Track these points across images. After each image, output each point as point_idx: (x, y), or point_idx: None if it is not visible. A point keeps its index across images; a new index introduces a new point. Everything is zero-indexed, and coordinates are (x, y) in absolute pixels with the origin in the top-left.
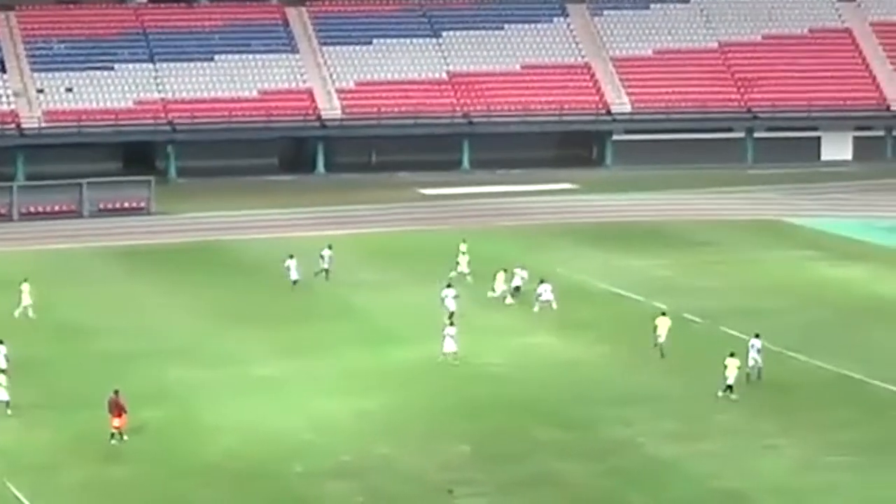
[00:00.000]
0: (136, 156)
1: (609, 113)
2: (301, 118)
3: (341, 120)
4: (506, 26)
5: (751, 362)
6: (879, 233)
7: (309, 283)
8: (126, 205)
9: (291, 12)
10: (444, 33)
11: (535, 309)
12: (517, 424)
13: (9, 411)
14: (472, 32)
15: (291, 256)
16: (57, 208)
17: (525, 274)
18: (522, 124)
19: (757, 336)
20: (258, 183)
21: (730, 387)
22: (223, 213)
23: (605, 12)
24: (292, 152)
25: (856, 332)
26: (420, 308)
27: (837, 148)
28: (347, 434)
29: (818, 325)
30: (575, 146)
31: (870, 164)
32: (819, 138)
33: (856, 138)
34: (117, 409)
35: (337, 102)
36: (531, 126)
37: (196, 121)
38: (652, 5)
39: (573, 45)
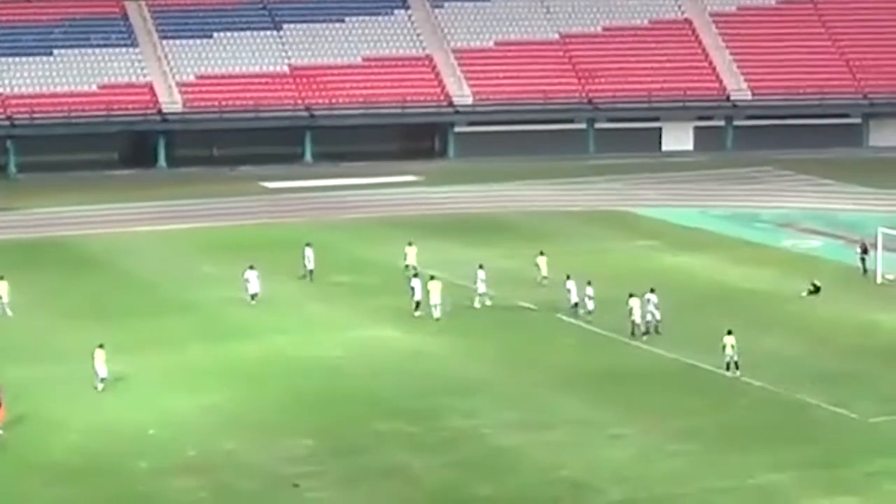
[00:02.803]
0: None
1: (451, 105)
2: (141, 112)
3: (182, 114)
4: (347, 18)
5: (648, 316)
6: (720, 221)
7: (150, 280)
8: None
9: (131, 6)
10: (285, 26)
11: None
12: (360, 417)
13: None
14: (312, 25)
15: (252, 267)
16: None
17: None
18: (365, 117)
19: (652, 291)
20: (99, 178)
21: (734, 364)
22: (64, 208)
23: (446, 4)
24: (133, 147)
25: (699, 321)
26: (262, 301)
27: (678, 138)
28: (193, 429)
29: (661, 315)
30: (418, 138)
31: (710, 153)
32: (660, 129)
33: (696, 128)
34: None
35: (178, 96)
36: (373, 118)
37: (35, 116)
38: None
39: (414, 37)
